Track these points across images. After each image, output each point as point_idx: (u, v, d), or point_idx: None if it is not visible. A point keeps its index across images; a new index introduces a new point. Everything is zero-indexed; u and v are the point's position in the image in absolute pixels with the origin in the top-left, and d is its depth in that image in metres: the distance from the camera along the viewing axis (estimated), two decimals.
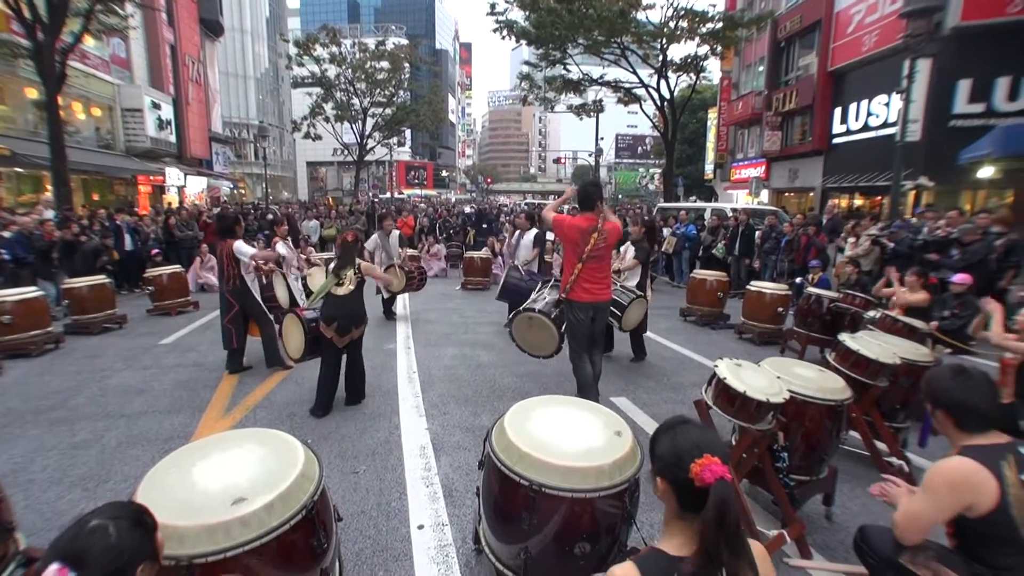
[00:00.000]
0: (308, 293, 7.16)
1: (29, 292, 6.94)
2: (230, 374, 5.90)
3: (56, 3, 11.93)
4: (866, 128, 18.77)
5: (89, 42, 17.45)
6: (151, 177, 23.63)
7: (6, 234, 8.55)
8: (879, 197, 17.91)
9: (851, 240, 9.55)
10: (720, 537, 1.29)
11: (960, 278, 5.73)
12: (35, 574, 1.14)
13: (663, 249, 13.20)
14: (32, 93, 17.12)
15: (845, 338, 3.75)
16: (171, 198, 24.53)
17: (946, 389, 2.03)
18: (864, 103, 18.76)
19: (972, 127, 14.31)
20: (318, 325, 4.78)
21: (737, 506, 1.34)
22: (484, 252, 12.90)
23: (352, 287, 4.75)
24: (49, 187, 14.99)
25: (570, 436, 2.37)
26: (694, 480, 1.34)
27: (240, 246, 5.73)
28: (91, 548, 1.17)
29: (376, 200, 33.11)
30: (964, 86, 14.71)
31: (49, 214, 10.27)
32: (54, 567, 1.11)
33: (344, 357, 4.95)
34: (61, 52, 12.52)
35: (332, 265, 4.90)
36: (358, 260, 4.86)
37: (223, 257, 5.78)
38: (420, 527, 3.17)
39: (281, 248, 7.47)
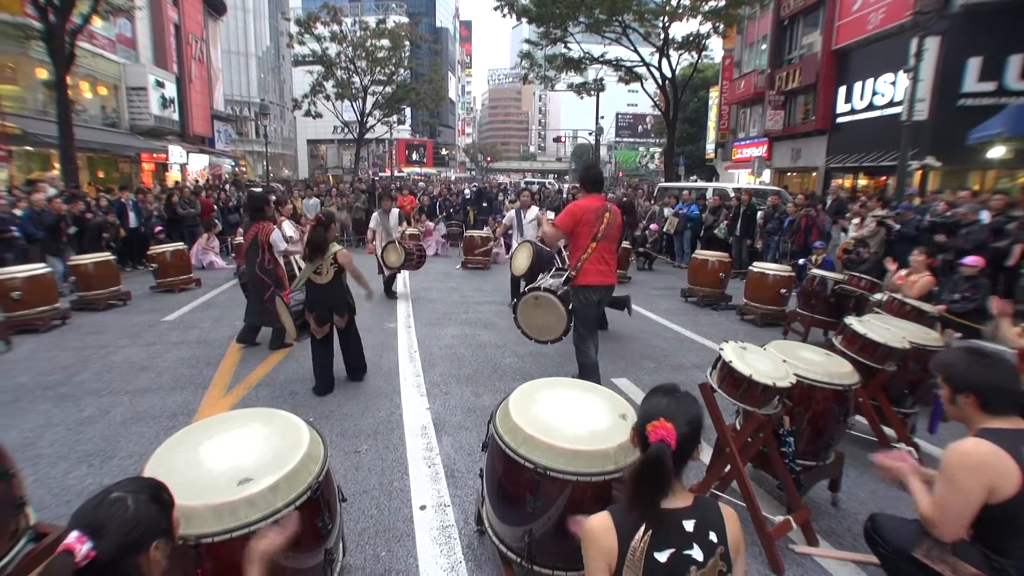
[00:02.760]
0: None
1: (38, 268, 6.96)
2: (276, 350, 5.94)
3: None
4: (871, 107, 18.55)
5: (97, 22, 17.65)
6: (154, 155, 23.68)
7: (17, 211, 8.59)
8: (884, 177, 17.78)
9: (855, 221, 9.47)
10: (637, 487, 1.46)
11: (971, 260, 5.63)
12: (58, 540, 1.19)
13: (664, 228, 13.14)
14: (42, 73, 17.27)
15: (852, 321, 3.72)
16: (174, 176, 24.50)
17: (975, 372, 1.98)
18: (869, 82, 18.51)
19: (982, 106, 14.12)
20: (303, 310, 4.73)
21: (666, 467, 1.46)
22: (485, 231, 12.85)
23: (330, 277, 4.63)
24: (57, 165, 15.15)
25: (575, 419, 2.36)
26: (648, 437, 1.49)
27: (277, 238, 5.72)
28: (109, 519, 1.21)
29: (377, 178, 32.93)
30: (974, 64, 14.46)
31: (52, 192, 10.28)
32: (74, 534, 1.16)
33: (336, 337, 4.91)
34: (71, 33, 12.72)
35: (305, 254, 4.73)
36: (334, 248, 4.65)
37: (260, 240, 5.69)
38: (422, 507, 3.18)
39: (288, 228, 7.43)
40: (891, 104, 17.21)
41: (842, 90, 20.14)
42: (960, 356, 2.07)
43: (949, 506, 1.90)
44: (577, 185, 5.06)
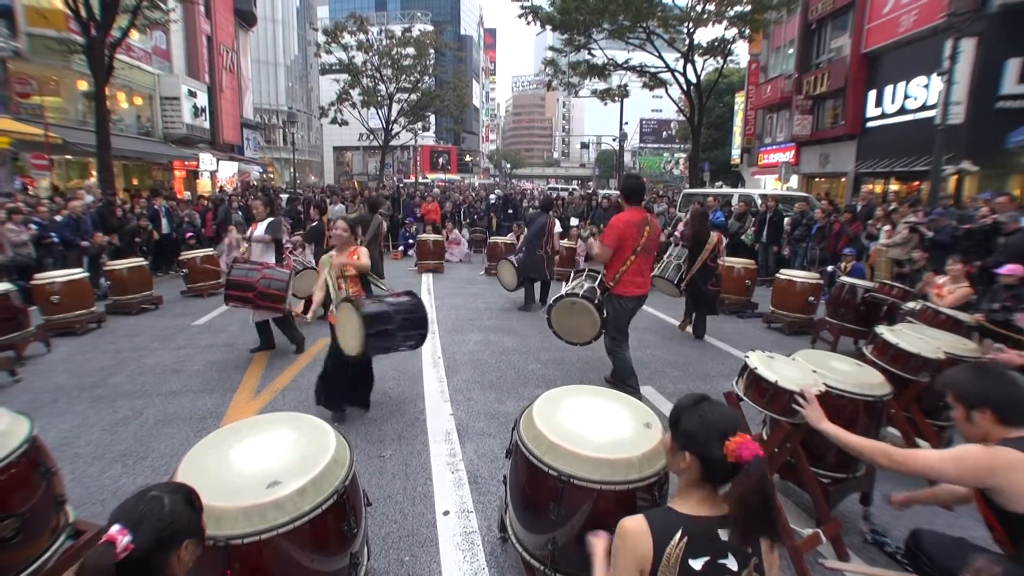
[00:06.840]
0: None
1: (75, 273, 7.17)
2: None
3: (108, 1, 12.72)
4: (903, 111, 18.17)
5: (134, 36, 18.33)
6: (186, 162, 24.37)
7: (57, 218, 8.90)
8: (916, 183, 17.37)
9: (886, 228, 9.24)
10: (761, 507, 1.40)
11: (1009, 269, 5.41)
12: (96, 537, 1.25)
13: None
14: (82, 85, 18.04)
15: (883, 331, 3.63)
16: (204, 183, 25.14)
17: (985, 386, 1.98)
18: (901, 85, 18.14)
19: (1022, 108, 13.72)
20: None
21: (770, 481, 1.43)
22: (509, 238, 12.85)
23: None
24: (94, 172, 15.75)
25: (599, 427, 2.36)
26: (727, 456, 1.44)
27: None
28: (147, 515, 1.30)
29: (401, 184, 33.28)
30: (1013, 65, 14.08)
31: (89, 199, 10.63)
32: (116, 527, 1.24)
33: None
34: (110, 46, 13.28)
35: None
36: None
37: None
38: (445, 513, 3.20)
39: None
40: (924, 108, 16.84)
41: (872, 94, 19.78)
42: (967, 372, 2.08)
43: (937, 472, 1.96)
44: (619, 195, 5.22)
